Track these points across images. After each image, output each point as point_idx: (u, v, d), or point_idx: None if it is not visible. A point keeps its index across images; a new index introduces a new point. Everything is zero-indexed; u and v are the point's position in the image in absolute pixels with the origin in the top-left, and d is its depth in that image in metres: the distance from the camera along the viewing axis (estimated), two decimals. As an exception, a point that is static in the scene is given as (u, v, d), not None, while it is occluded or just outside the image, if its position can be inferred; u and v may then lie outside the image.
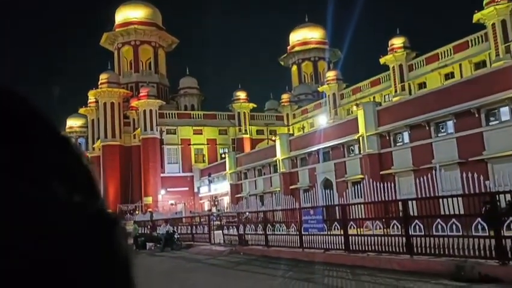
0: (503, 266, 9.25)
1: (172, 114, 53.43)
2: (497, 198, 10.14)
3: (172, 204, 46.07)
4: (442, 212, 11.26)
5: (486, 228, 10.07)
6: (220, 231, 23.05)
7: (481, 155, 20.55)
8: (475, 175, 10.57)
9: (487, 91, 20.23)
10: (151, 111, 49.90)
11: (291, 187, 33.29)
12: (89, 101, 57.26)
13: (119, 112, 52.73)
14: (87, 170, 0.36)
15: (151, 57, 60.02)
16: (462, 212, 10.82)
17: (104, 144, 51.71)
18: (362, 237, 13.22)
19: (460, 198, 10.91)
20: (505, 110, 20.42)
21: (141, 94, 51.00)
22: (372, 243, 12.65)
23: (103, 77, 53.23)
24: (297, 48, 64.37)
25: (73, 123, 64.25)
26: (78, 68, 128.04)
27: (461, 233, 10.56)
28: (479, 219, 10.30)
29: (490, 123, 21.09)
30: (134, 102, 52.33)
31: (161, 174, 49.91)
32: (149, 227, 29.94)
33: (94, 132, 56.68)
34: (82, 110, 58.78)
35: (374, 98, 39.78)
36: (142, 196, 48.85)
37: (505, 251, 9.40)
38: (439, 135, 23.50)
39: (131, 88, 56.87)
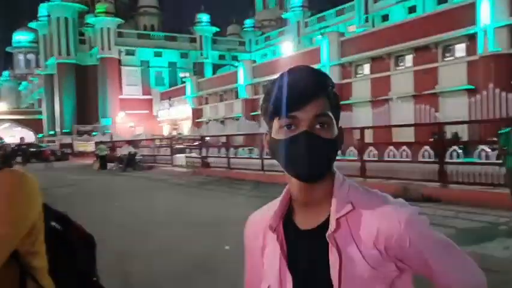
0: (443, 188, 10.44)
1: (131, 34, 51.42)
2: (444, 129, 11.17)
3: (131, 126, 45.91)
4: (395, 140, 12.24)
5: (432, 155, 11.16)
6: (182, 155, 23.63)
7: (434, 88, 21.71)
8: (427, 107, 11.45)
9: (446, 27, 20.94)
10: (108, 29, 47.78)
11: (252, 113, 33.93)
12: (39, 14, 53.80)
13: (74, 28, 50.12)
14: None
15: (107, -31, 56.17)
16: (412, 140, 11.84)
17: (58, 62, 49.57)
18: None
19: (411, 128, 11.85)
20: (460, 46, 21.36)
21: (98, 10, 48.42)
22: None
23: (56, -11, 49.72)
24: (262, -29, 62.11)
25: (21, 37, 60.66)
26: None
27: (410, 159, 11.62)
28: (427, 147, 11.35)
29: (445, 59, 22.10)
30: (90, 19, 49.73)
31: (120, 96, 49.06)
32: (109, 147, 30.03)
33: (46, 49, 53.94)
34: (32, 24, 55.33)
35: (338, 28, 39.89)
36: (100, 117, 48.17)
37: (446, 175, 10.57)
38: (397, 68, 24.41)
39: (86, 3, 53.72)
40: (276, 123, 0.94)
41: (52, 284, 1.11)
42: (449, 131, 11.52)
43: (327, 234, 0.92)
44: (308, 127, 0.90)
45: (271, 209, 1.03)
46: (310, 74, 0.92)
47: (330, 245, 0.91)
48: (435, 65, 22.22)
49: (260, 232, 1.04)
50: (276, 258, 0.99)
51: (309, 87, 0.90)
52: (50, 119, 53.00)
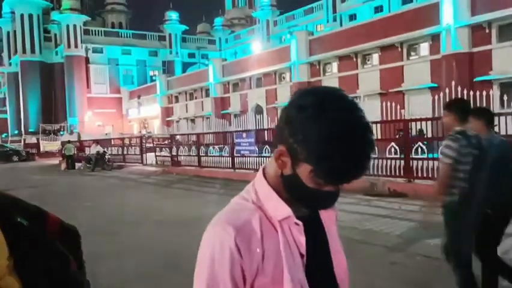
0: (409, 183, 10.76)
1: (98, 31, 50.41)
2: (409, 126, 11.50)
3: (99, 125, 45.04)
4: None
5: (398, 151, 11.47)
6: (152, 153, 23.40)
7: (400, 86, 22.25)
8: (393, 105, 11.73)
9: (410, 27, 21.47)
10: (75, 26, 46.65)
11: (222, 112, 33.90)
12: (3, 11, 52.10)
13: (39, 25, 48.72)
14: None
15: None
16: (379, 137, 12.11)
17: (22, 60, 48.11)
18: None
19: (378, 125, 12.12)
20: (424, 45, 21.95)
21: (63, 7, 47.22)
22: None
23: (19, -16, 48.19)
24: (231, -31, 61.97)
25: (-16, 34, 58.34)
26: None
27: (376, 155, 11.89)
28: (393, 143, 11.66)
29: (410, 58, 22.68)
30: (55, 15, 48.44)
31: (88, 95, 48.04)
32: (76, 147, 29.40)
33: (10, 46, 52.27)
34: (-6, 21, 53.53)
35: (306, 27, 40.26)
36: (67, 116, 47.06)
37: (411, 171, 10.89)
38: (365, 67, 24.89)
39: (51, -1, 52.30)
40: (307, 169, 0.89)
41: (16, 283, 1.04)
42: (414, 128, 11.84)
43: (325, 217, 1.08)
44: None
45: (251, 209, 0.95)
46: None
47: (327, 225, 1.08)
48: (400, 63, 22.77)
49: (255, 238, 0.92)
50: (296, 255, 0.95)
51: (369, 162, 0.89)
52: (15, 118, 51.42)
